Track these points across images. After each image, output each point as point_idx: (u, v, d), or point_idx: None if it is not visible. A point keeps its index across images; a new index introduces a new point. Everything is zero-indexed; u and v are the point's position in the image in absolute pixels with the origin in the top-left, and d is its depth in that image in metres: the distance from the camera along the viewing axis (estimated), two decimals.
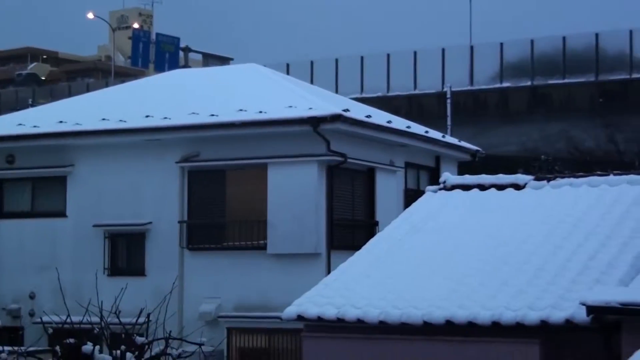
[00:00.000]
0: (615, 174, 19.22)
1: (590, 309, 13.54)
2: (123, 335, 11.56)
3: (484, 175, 20.32)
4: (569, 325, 14.22)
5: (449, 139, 33.41)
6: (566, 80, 48.56)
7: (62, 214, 28.42)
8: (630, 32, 47.55)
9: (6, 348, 14.27)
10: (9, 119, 31.65)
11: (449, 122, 43.63)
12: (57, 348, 11.09)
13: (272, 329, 24.54)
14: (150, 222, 27.16)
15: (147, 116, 27.61)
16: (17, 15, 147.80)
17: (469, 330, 14.96)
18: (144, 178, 27.21)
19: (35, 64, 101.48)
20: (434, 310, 15.26)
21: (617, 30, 48.31)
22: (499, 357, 14.77)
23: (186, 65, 47.12)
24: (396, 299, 15.81)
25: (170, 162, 27.04)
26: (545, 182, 19.40)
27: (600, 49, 48.35)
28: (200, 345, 12.90)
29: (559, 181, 19.40)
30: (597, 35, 48.36)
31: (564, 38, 49.35)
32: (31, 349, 14.44)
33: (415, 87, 51.23)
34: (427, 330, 15.24)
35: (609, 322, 13.69)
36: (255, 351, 25.93)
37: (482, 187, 19.56)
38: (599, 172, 19.91)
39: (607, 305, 13.39)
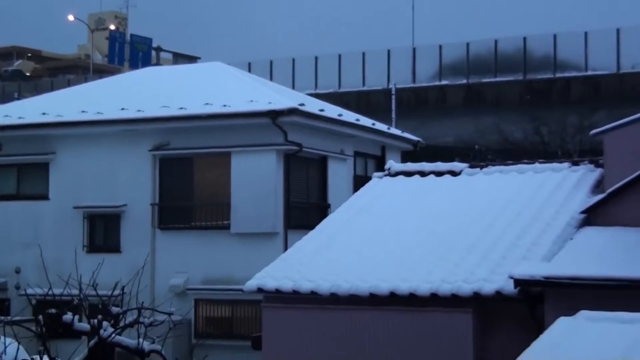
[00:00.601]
0: (540, 163, 19.38)
1: (517, 282, 13.69)
2: (100, 306, 11.48)
3: (424, 163, 20.43)
4: (498, 296, 14.36)
5: (393, 130, 33.49)
6: (497, 79, 48.96)
7: (45, 197, 28.21)
8: (555, 36, 48.00)
9: None
10: None
11: (393, 116, 43.71)
12: (40, 317, 10.98)
13: (235, 300, 24.52)
14: (125, 205, 27.04)
15: (122, 109, 27.49)
16: (3, 16, 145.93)
17: (411, 301, 15.04)
18: (120, 165, 27.09)
19: (20, 61, 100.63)
20: (379, 283, 15.33)
21: (543, 34, 48.69)
22: (437, 325, 14.88)
23: (158, 64, 46.70)
24: (346, 274, 15.85)
25: (143, 150, 26.91)
26: (478, 169, 19.53)
27: (527, 51, 48.80)
28: (169, 314, 12.83)
29: (491, 169, 19.54)
30: (525, 38, 48.78)
31: (495, 41, 49.72)
32: (16, 318, 14.30)
33: (363, 84, 51.37)
34: (373, 301, 15.30)
35: (533, 293, 13.85)
36: (220, 320, 25.93)
37: (423, 174, 19.66)
38: (526, 161, 20.05)
39: (532, 278, 13.53)
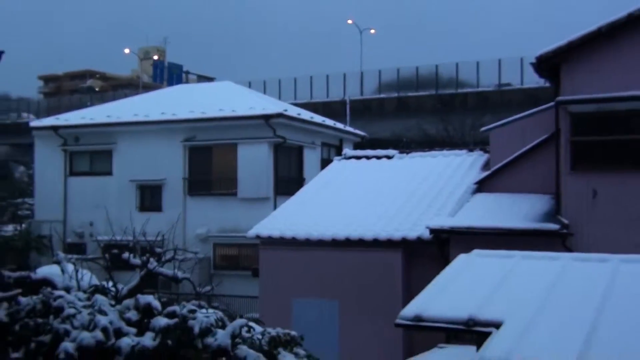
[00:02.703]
0: (447, 150, 19.47)
1: (432, 231, 13.77)
2: (148, 248, 11.42)
3: (368, 150, 20.44)
4: (419, 240, 14.45)
5: (348, 128, 33.50)
6: (418, 93, 49.28)
7: (109, 173, 28.05)
8: (457, 64, 48.30)
9: (75, 256, 13.98)
10: (76, 114, 30.98)
11: (347, 118, 43.68)
12: (107, 256, 10.92)
13: (241, 243, 24.55)
14: (164, 178, 26.92)
15: (162, 113, 27.35)
16: (80, 48, 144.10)
17: (359, 244, 15.10)
18: (160, 151, 26.96)
19: (91, 80, 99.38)
20: (338, 232, 15.36)
21: (449, 62, 48.87)
22: (377, 261, 14.95)
23: (187, 82, 46.42)
24: (315, 226, 15.86)
25: (177, 141, 26.81)
26: (405, 154, 19.57)
27: (438, 74, 49.10)
28: (195, 253, 12.84)
29: (414, 154, 19.60)
30: (437, 66, 49.03)
31: (417, 67, 49.95)
32: (90, 256, 14.19)
33: (327, 96, 51.45)
34: (334, 244, 15.34)
35: (442, 238, 13.94)
36: (230, 257, 25.93)
37: (368, 157, 19.67)
38: (437, 149, 20.13)
39: (441, 228, 13.61)
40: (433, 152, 19.32)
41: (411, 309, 7.01)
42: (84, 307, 6.67)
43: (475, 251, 8.39)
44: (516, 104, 40.62)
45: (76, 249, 25.08)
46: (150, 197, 27.54)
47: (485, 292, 6.93)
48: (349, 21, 64.26)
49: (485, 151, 18.09)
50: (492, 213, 14.11)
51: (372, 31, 67.91)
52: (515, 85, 46.56)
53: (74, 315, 6.41)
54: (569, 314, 6.18)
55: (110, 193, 27.30)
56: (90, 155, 28.66)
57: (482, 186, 15.88)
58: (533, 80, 42.65)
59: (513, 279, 7.25)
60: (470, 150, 19.19)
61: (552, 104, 14.62)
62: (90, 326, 6.31)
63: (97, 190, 27.65)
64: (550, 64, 13.59)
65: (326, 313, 15.19)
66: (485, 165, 17.25)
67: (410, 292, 13.67)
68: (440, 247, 13.97)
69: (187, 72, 68.29)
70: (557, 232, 12.47)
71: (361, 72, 52.91)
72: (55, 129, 28.58)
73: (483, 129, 17.65)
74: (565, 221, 12.77)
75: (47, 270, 11.07)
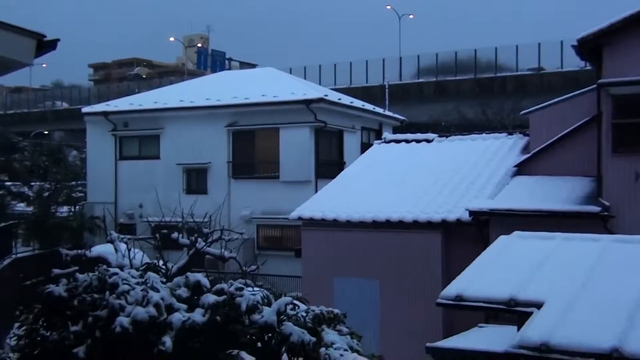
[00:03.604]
0: (486, 134, 19.23)
1: (471, 213, 13.66)
2: (195, 228, 11.58)
3: (408, 134, 20.32)
4: (458, 222, 14.36)
5: (387, 112, 33.28)
6: (457, 78, 48.67)
7: (157, 157, 28.40)
8: (496, 48, 47.46)
9: (127, 236, 14.26)
10: (124, 100, 31.44)
11: (387, 103, 43.43)
12: (157, 236, 11.11)
13: (283, 225, 24.67)
14: (210, 162, 27.16)
15: (207, 99, 27.54)
16: (127, 37, 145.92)
17: (400, 226, 15.08)
18: (206, 135, 27.17)
19: (139, 68, 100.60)
20: (378, 214, 15.35)
21: (488, 47, 48.04)
22: (418, 242, 14.91)
23: (229, 69, 46.65)
24: (356, 208, 15.88)
25: (221, 126, 26.97)
26: (444, 138, 19.40)
27: (477, 58, 48.42)
28: (241, 234, 12.92)
29: (453, 137, 19.41)
30: (475, 50, 48.32)
31: (455, 52, 49.28)
32: (140, 237, 14.46)
33: (367, 82, 51.16)
34: (374, 226, 15.35)
35: (482, 220, 13.83)
36: (273, 238, 26.10)
37: (407, 141, 19.56)
38: (476, 132, 19.88)
39: (481, 210, 13.49)
40: (472, 136, 19.11)
41: (452, 289, 7.00)
42: (137, 284, 6.81)
43: (516, 233, 8.31)
44: (555, 87, 39.84)
45: (127, 229, 25.57)
46: (196, 180, 27.82)
47: (526, 273, 6.87)
48: (388, 7, 63.73)
49: (525, 134, 17.82)
50: (532, 195, 13.92)
51: (411, 16, 67.28)
52: (555, 69, 45.60)
53: (128, 292, 6.55)
54: (610, 294, 6.10)
55: (158, 176, 27.68)
56: (138, 139, 29.07)
57: (521, 169, 15.66)
58: (573, 63, 41.77)
59: (554, 260, 7.17)
60: (510, 133, 18.93)
61: (593, 86, 14.30)
62: (143, 302, 6.45)
63: (145, 173, 28.06)
64: (591, 46, 13.28)
65: (367, 292, 15.24)
66: (525, 148, 17.00)
67: (449, 273, 13.62)
68: (480, 229, 13.85)
69: (230, 59, 68.70)
70: (598, 214, 12.25)
71: (400, 57, 52.44)
72: (105, 114, 29.06)
73: (523, 112, 17.36)
74: (607, 203, 12.53)
75: (101, 249, 11.36)
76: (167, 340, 6.21)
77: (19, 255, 21.38)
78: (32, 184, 29.33)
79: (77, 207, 28.94)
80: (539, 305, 6.08)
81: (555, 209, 12.69)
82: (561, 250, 7.35)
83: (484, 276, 7.12)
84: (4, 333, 15.51)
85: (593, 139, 14.07)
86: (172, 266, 9.60)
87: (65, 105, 66.75)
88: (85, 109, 30.92)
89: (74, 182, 31.01)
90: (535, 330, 5.51)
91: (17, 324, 7.43)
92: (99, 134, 29.40)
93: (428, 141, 19.20)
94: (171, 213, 13.21)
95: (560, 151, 15.06)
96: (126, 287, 6.60)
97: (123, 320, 6.19)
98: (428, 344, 9.86)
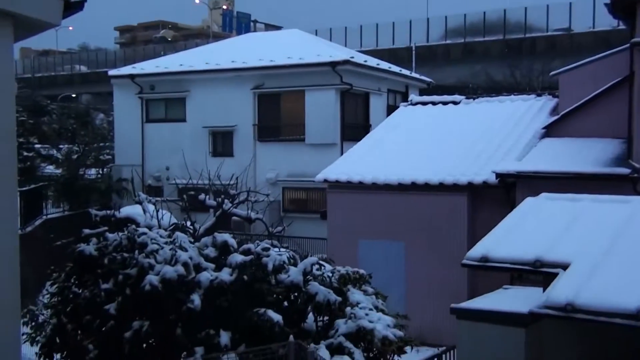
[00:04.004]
0: (514, 96, 18.97)
1: (498, 175, 13.58)
2: (222, 190, 11.68)
3: (434, 96, 20.13)
4: (485, 185, 14.30)
5: (414, 74, 32.90)
6: (485, 39, 47.88)
7: (183, 120, 28.51)
8: (525, 8, 46.51)
9: (155, 197, 14.48)
10: (150, 63, 31.46)
11: (413, 65, 42.92)
12: (184, 197, 11.26)
13: (309, 187, 24.76)
14: (235, 125, 27.20)
15: (232, 61, 27.45)
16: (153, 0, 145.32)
17: (425, 188, 15.06)
18: (231, 98, 27.18)
19: (164, 30, 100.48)
20: (404, 176, 15.33)
21: (518, 7, 47.04)
22: (443, 204, 14.89)
23: (255, 31, 46.36)
24: (382, 170, 15.87)
25: (247, 89, 26.93)
26: (472, 100, 19.18)
27: (506, 19, 47.49)
28: (267, 195, 13.03)
29: (480, 99, 19.18)
30: (505, 10, 47.40)
31: (484, 12, 48.39)
32: (168, 199, 14.67)
33: (393, 44, 50.56)
34: (400, 188, 15.35)
35: (509, 182, 13.74)
36: (299, 201, 26.22)
37: (434, 103, 19.39)
38: (504, 94, 19.62)
39: (508, 172, 13.40)
40: (500, 97, 18.86)
41: (478, 250, 6.99)
42: (166, 243, 6.94)
43: (543, 194, 8.23)
44: (587, 48, 38.97)
45: (154, 191, 25.88)
46: (222, 142, 27.92)
47: (553, 234, 6.83)
48: None
49: (554, 96, 17.54)
50: (560, 157, 13.77)
51: None
52: (586, 29, 44.57)
53: (157, 251, 6.68)
54: (638, 256, 6.05)
55: (185, 139, 27.84)
56: (165, 102, 29.18)
57: (550, 131, 15.47)
58: (605, 23, 40.75)
59: (581, 221, 7.11)
60: (539, 95, 18.65)
61: (626, 46, 13.97)
62: (172, 261, 6.58)
63: (172, 136, 28.24)
64: (625, 4, 12.94)
65: (392, 254, 15.32)
66: (554, 110, 16.75)
67: (475, 235, 13.61)
68: (507, 192, 13.78)
69: (255, 21, 68.20)
70: (627, 176, 12.08)
71: (427, 18, 51.65)
72: (132, 77, 29.18)
73: (552, 73, 17.06)
74: (637, 165, 12.35)
75: (130, 210, 11.52)
76: (196, 299, 6.35)
77: (49, 216, 21.81)
78: (61, 146, 29.71)
79: (105, 169, 29.31)
80: (565, 267, 6.06)
81: (584, 171, 12.54)
82: (589, 212, 7.28)
83: (510, 238, 7.10)
84: (37, 291, 15.93)
85: (624, 99, 13.80)
86: (200, 227, 9.74)
87: (87, 69, 67.14)
88: (111, 72, 31.07)
89: (101, 145, 31.34)
90: (561, 290, 5.50)
91: (49, 282, 7.63)
92: (126, 97, 29.58)
93: (455, 103, 19.00)
94: (198, 175, 13.32)
95: (590, 112, 14.82)
96: (155, 246, 6.74)
97: (152, 278, 6.33)
98: (452, 305, 9.91)
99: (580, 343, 6.51)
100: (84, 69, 67.12)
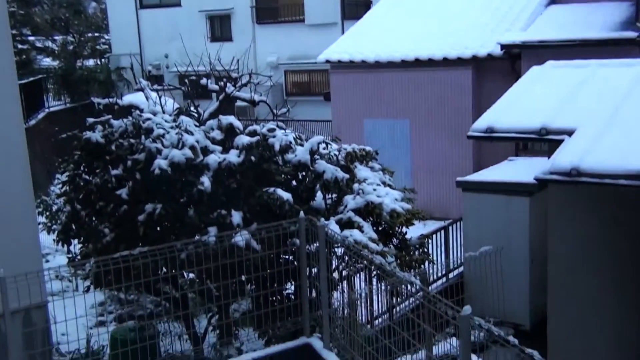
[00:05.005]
0: None
1: (503, 46, 13.40)
2: (223, 74, 11.57)
3: None
4: (490, 57, 14.14)
5: None
6: None
7: (178, 4, 27.85)
8: None
9: (157, 86, 14.39)
10: None
11: None
12: (186, 81, 11.19)
13: (310, 70, 24.55)
14: (232, 7, 26.59)
15: None
16: None
17: (429, 64, 14.90)
18: None
19: None
20: (407, 52, 15.13)
21: None
22: (448, 79, 14.79)
23: None
24: (384, 48, 15.64)
25: None
26: None
27: None
28: (269, 77, 12.91)
29: None
30: None
31: None
32: (169, 86, 14.56)
33: None
34: (404, 65, 15.18)
35: (514, 53, 13.56)
36: (301, 84, 26.05)
37: None
38: None
39: (512, 43, 13.20)
40: None
41: (483, 121, 7.04)
42: (171, 128, 6.98)
43: (549, 62, 8.18)
44: None
45: (155, 80, 25.69)
46: (220, 26, 27.36)
47: (559, 102, 6.85)
48: None
49: None
50: (566, 25, 13.49)
51: None
52: None
53: (163, 135, 6.73)
54: None
55: (182, 24, 27.21)
56: None
57: None
58: None
59: (588, 87, 7.10)
60: None
61: None
62: (179, 145, 6.64)
63: (168, 22, 27.62)
64: None
65: (397, 131, 15.40)
66: None
67: (480, 109, 13.57)
68: (512, 63, 13.64)
69: None
70: (635, 40, 11.88)
71: None
72: None
73: None
74: None
75: (132, 98, 11.50)
76: (205, 181, 6.46)
77: (52, 109, 21.79)
78: (55, 37, 29.16)
79: (102, 59, 28.93)
80: (571, 133, 6.12)
81: (589, 37, 12.31)
82: (595, 78, 7.25)
83: (516, 107, 7.12)
84: (47, 183, 16.23)
85: None
86: (204, 112, 9.76)
87: None
88: None
89: (97, 35, 30.77)
90: (566, 155, 5.58)
91: (59, 173, 7.77)
92: None
93: None
94: (198, 59, 13.16)
95: None
96: (161, 131, 6.78)
97: (161, 162, 6.41)
98: (458, 178, 10.12)
99: (585, 211, 6.68)
100: None
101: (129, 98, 11.76)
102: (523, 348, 2.97)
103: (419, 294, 4.30)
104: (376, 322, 7.68)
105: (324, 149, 7.59)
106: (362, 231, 6.75)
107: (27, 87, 19.13)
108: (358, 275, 6.47)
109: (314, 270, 5.40)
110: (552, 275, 6.79)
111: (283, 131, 7.52)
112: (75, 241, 7.18)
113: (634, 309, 6.10)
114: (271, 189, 6.66)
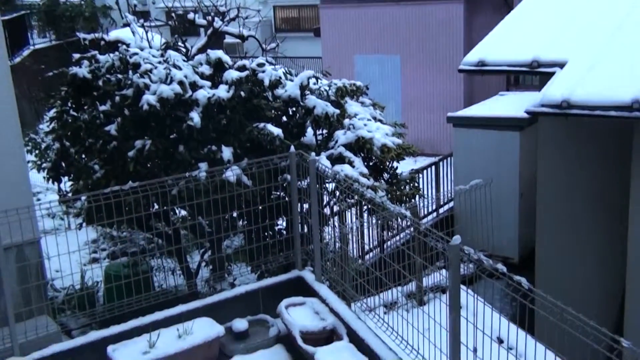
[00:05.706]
0: None
1: None
2: (211, 10, 11.29)
3: None
4: None
5: None
6: None
7: None
8: None
9: (142, 21, 14.04)
10: None
11: None
12: (173, 15, 10.94)
13: (301, 5, 24.10)
14: None
15: None
16: None
17: None
18: None
19: None
20: None
21: None
22: (439, 12, 14.57)
23: None
24: None
25: None
26: None
27: None
28: (258, 10, 12.62)
29: None
30: None
31: None
32: (157, 21, 14.23)
33: None
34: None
35: None
36: (291, 19, 25.61)
37: None
38: None
39: None
40: None
41: (475, 54, 6.97)
42: (159, 63, 6.87)
43: None
44: None
45: (140, 16, 25.10)
46: None
47: (551, 34, 6.77)
48: None
49: None
50: None
51: None
52: None
53: (150, 70, 6.64)
54: (635, 50, 6.03)
55: None
56: None
57: None
58: None
59: (581, 18, 7.00)
60: None
61: None
62: (167, 80, 6.56)
63: None
64: None
65: (388, 67, 15.26)
66: None
67: (471, 43, 13.40)
68: None
69: None
70: None
71: None
72: None
73: None
74: None
75: (119, 33, 11.23)
76: (195, 116, 6.41)
77: (37, 46, 21.38)
78: None
79: None
80: (562, 65, 6.07)
81: None
82: (589, 7, 7.15)
83: (508, 40, 7.04)
84: (35, 122, 16.08)
85: None
86: (192, 47, 9.59)
87: None
88: None
89: None
90: (557, 88, 5.55)
91: (46, 111, 7.68)
92: None
93: None
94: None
95: None
96: (149, 66, 6.68)
97: (149, 98, 6.34)
98: (449, 114, 10.09)
99: (574, 146, 6.71)
100: None
101: (115, 33, 11.50)
102: (511, 275, 3.02)
103: (410, 227, 4.33)
104: (367, 256, 7.78)
105: (314, 84, 7.53)
106: (353, 166, 6.77)
107: (10, 24, 18.70)
108: (349, 210, 6.52)
109: (305, 205, 5.43)
110: (540, 204, 6.87)
111: (272, 66, 7.44)
112: (66, 178, 7.17)
113: (618, 236, 6.21)
114: (261, 125, 6.63)
